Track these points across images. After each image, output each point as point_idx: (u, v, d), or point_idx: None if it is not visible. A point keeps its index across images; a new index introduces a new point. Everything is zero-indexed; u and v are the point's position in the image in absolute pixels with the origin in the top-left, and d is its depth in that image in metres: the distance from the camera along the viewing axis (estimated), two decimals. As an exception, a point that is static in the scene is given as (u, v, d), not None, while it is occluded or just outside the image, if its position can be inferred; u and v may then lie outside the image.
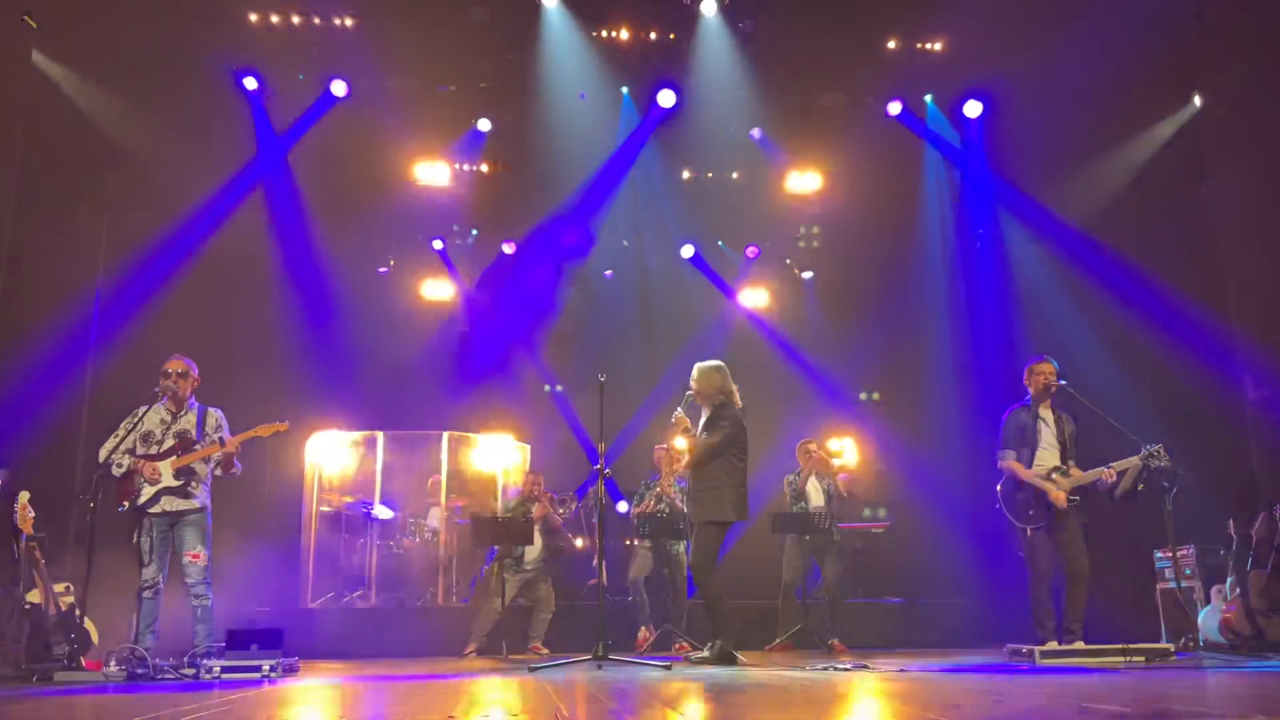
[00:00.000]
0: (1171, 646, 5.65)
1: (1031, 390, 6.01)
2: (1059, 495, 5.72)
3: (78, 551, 6.74)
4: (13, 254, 8.10)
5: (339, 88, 9.74)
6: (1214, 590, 6.94)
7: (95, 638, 6.15)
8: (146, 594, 5.49)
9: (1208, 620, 6.81)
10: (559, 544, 7.91)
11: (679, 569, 7.70)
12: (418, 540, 9.11)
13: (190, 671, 5.22)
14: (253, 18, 9.25)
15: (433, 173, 10.48)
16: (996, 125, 10.41)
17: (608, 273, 11.27)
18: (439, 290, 10.96)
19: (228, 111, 9.59)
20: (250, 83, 9.60)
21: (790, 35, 9.65)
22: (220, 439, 5.73)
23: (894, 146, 10.62)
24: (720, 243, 11.33)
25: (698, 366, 6.06)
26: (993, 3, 9.17)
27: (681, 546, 7.70)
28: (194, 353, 5.93)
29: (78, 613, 5.71)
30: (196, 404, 5.82)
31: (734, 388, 6.04)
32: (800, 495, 7.92)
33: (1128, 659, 5.33)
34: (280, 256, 9.92)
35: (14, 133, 8.15)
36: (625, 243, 11.16)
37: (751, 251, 11.22)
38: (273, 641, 5.35)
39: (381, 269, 10.93)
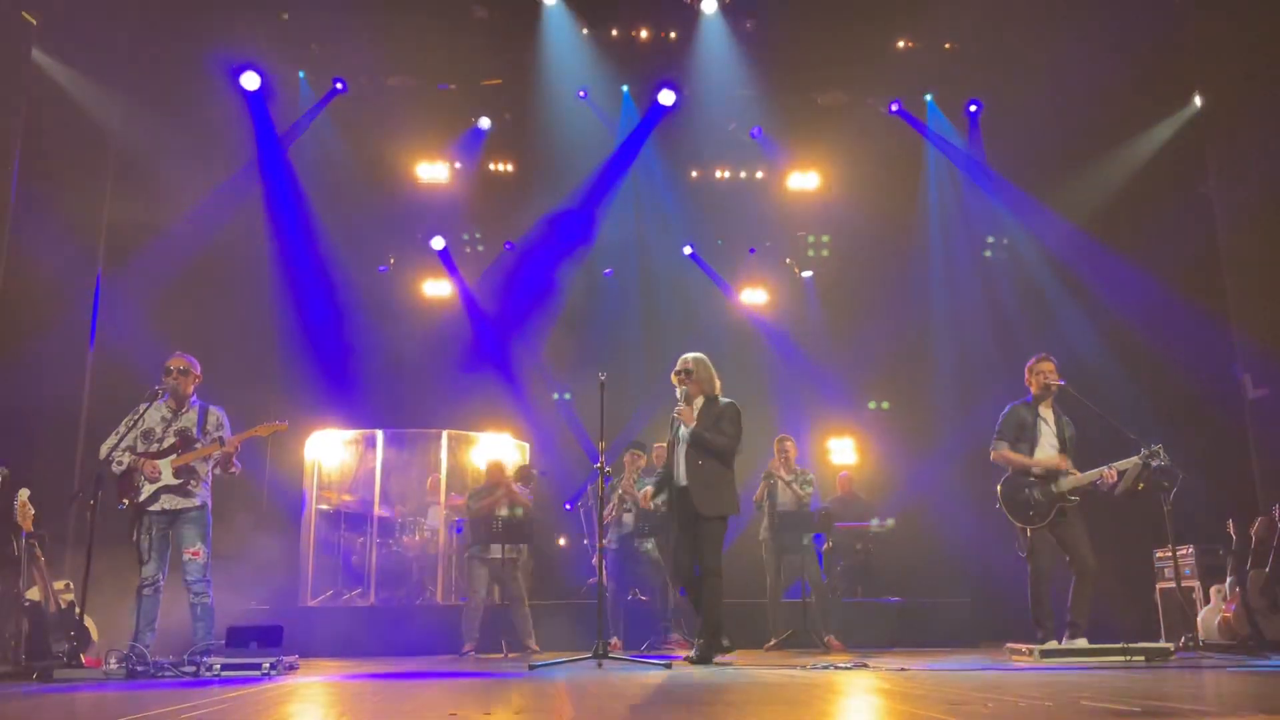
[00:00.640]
0: (1171, 646, 5.64)
1: (1033, 389, 6.00)
2: (1056, 462, 5.71)
3: (77, 549, 6.75)
4: (12, 250, 8.09)
5: (339, 85, 9.74)
6: (1213, 590, 6.94)
7: (95, 635, 6.15)
8: (146, 591, 5.49)
9: (1207, 619, 6.82)
10: (520, 506, 7.65)
11: (656, 568, 7.67)
12: (417, 539, 9.12)
13: (190, 669, 5.21)
14: (254, 15, 9.24)
15: (433, 171, 10.49)
16: (997, 125, 10.42)
17: (608, 271, 11.28)
18: (439, 288, 10.97)
19: (228, 109, 9.60)
20: (251, 80, 9.59)
21: (791, 34, 9.66)
22: (221, 438, 5.72)
23: (895, 146, 10.63)
24: (720, 241, 11.33)
25: (694, 357, 6.02)
26: (993, 2, 9.17)
27: (652, 544, 7.67)
28: (193, 350, 5.93)
29: (77, 610, 5.70)
30: (198, 402, 5.82)
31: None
32: (771, 493, 7.89)
33: (1128, 658, 5.33)
34: (280, 254, 9.93)
35: (13, 130, 8.14)
36: (637, 240, 11.11)
37: (751, 251, 11.23)
38: (272, 639, 5.34)
39: (381, 267, 10.93)
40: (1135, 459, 5.74)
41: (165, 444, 5.64)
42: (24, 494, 5.86)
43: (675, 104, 10.17)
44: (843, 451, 10.86)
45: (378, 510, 9.13)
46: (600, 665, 5.27)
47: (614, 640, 7.38)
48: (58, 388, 8.20)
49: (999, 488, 5.93)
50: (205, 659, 5.26)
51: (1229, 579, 6.79)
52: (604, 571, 6.26)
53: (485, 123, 10.42)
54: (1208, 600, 6.98)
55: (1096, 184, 9.79)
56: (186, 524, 5.59)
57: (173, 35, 8.91)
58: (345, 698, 3.88)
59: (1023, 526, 5.80)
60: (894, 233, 10.83)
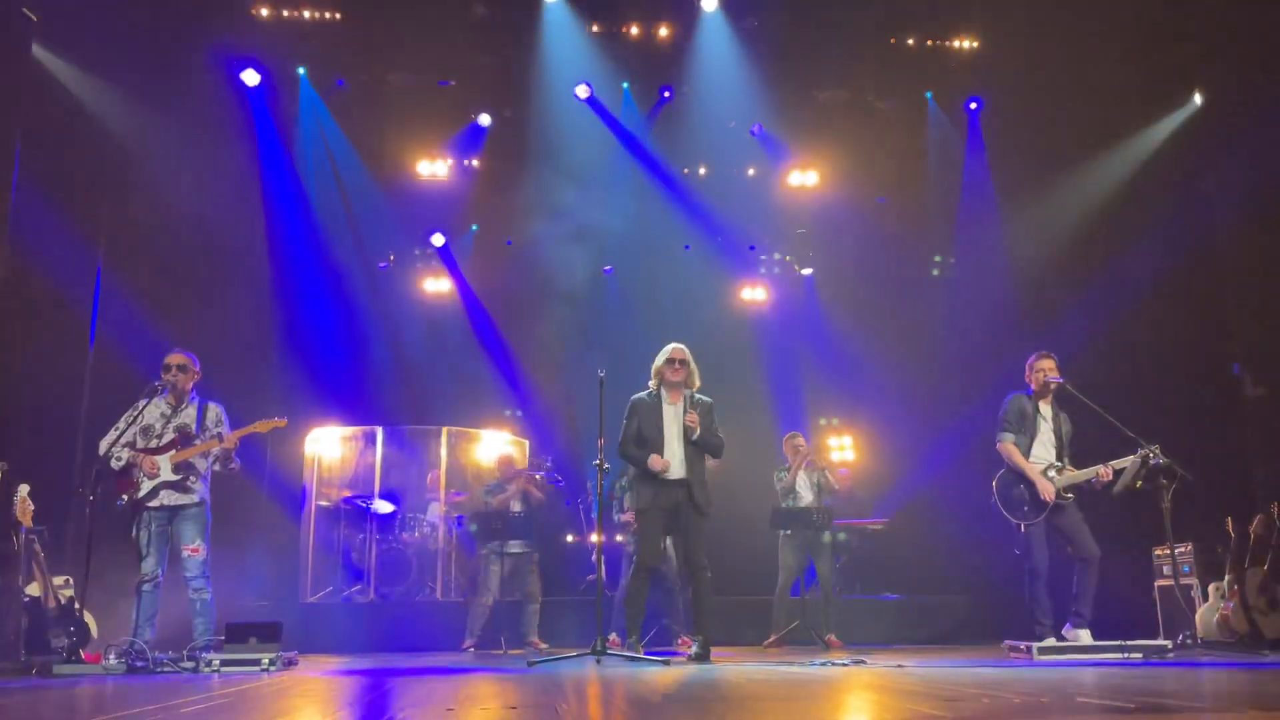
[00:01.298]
0: (1169, 643, 5.66)
1: (1033, 386, 6.02)
2: (1047, 489, 5.72)
3: (77, 545, 6.76)
4: (12, 247, 8.09)
5: (339, 82, 9.74)
6: (1211, 587, 6.95)
7: (94, 631, 6.16)
8: (145, 587, 5.50)
9: (1205, 617, 6.82)
10: (538, 497, 7.75)
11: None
12: (417, 535, 9.12)
13: (189, 664, 5.23)
14: (254, 11, 9.24)
15: (433, 167, 10.49)
16: (997, 122, 10.41)
17: (608, 269, 11.27)
18: (439, 285, 10.97)
19: (228, 105, 9.59)
20: (251, 77, 9.59)
21: (792, 31, 9.65)
22: (220, 434, 5.73)
23: (895, 144, 10.61)
24: (719, 239, 11.33)
25: (683, 348, 6.02)
26: (993, 1, 9.17)
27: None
28: (193, 346, 5.93)
29: (77, 606, 5.71)
30: (197, 398, 5.82)
31: None
32: (790, 491, 7.90)
33: (1125, 655, 5.35)
34: (279, 251, 9.92)
35: (13, 127, 8.14)
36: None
37: (751, 248, 11.22)
38: (272, 635, 5.36)
39: (381, 264, 10.93)
40: (1133, 457, 5.76)
41: (164, 440, 5.65)
42: (23, 489, 5.86)
43: (675, 101, 10.17)
44: (842, 450, 10.87)
45: (378, 505, 9.11)
46: (599, 662, 5.28)
47: (613, 637, 7.38)
48: (57, 384, 8.20)
49: (995, 484, 5.95)
50: (205, 654, 5.28)
51: (1227, 577, 6.79)
52: (603, 568, 6.27)
53: (485, 119, 10.42)
54: (1205, 598, 6.99)
55: (1097, 182, 9.78)
56: (186, 520, 5.60)
57: (173, 32, 8.89)
58: (344, 693, 3.88)
59: (1018, 523, 5.81)
60: (895, 231, 10.81)
